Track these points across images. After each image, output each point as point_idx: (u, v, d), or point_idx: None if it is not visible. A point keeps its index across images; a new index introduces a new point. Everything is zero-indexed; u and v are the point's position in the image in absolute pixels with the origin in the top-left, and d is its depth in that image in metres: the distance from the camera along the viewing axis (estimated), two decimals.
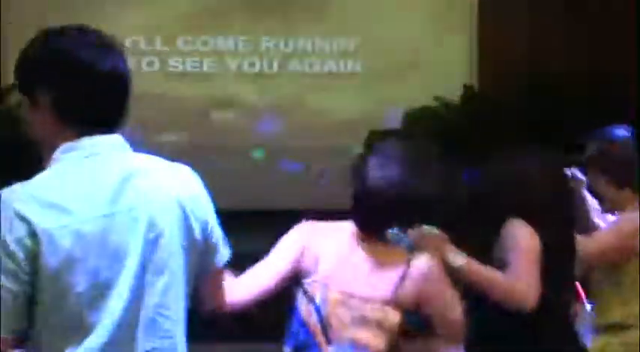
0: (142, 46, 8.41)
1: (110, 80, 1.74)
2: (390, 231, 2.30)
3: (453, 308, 2.41)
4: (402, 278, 2.34)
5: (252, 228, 6.09)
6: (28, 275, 1.61)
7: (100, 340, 1.65)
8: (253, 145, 8.43)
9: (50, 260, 1.61)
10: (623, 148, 3.37)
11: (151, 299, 1.72)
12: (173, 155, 2.02)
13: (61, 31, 1.76)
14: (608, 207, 3.44)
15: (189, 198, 1.81)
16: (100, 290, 1.65)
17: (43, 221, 1.61)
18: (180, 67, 8.49)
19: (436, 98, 8.20)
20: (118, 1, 8.33)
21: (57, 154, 1.72)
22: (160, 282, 1.73)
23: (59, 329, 1.65)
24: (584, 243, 3.01)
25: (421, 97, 8.16)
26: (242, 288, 2.24)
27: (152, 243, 1.72)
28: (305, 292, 2.27)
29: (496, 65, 8.20)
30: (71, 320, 1.64)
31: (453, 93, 8.25)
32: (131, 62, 7.19)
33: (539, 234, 2.69)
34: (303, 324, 2.25)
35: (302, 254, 2.33)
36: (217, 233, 1.91)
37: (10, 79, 5.64)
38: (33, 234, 1.61)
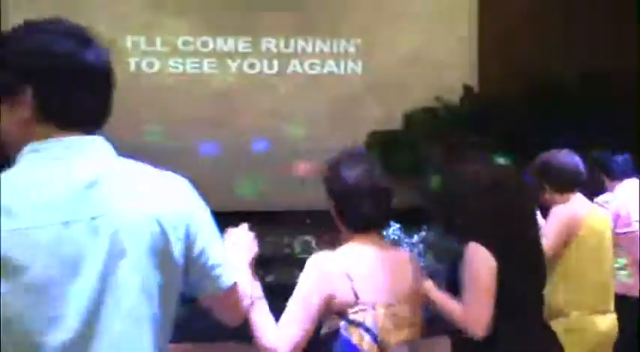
0: (143, 46, 8.42)
1: (92, 73, 1.60)
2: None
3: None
4: (414, 274, 2.48)
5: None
6: None
7: None
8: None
9: None
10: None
11: (110, 322, 1.51)
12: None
13: (36, 26, 1.61)
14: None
15: (172, 213, 1.61)
16: (49, 307, 1.46)
17: None
18: (180, 68, 8.48)
19: (436, 98, 8.21)
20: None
21: (22, 155, 1.57)
22: (122, 304, 1.53)
23: (8, 347, 1.46)
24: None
25: (421, 98, 8.18)
26: (285, 340, 2.21)
27: (115, 259, 1.52)
28: (351, 321, 2.27)
29: (496, 65, 8.21)
30: (18, 338, 1.46)
31: (454, 93, 8.27)
32: (131, 62, 7.07)
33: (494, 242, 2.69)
34: (356, 348, 2.26)
35: (330, 297, 2.27)
36: (214, 254, 1.70)
37: None
38: None
